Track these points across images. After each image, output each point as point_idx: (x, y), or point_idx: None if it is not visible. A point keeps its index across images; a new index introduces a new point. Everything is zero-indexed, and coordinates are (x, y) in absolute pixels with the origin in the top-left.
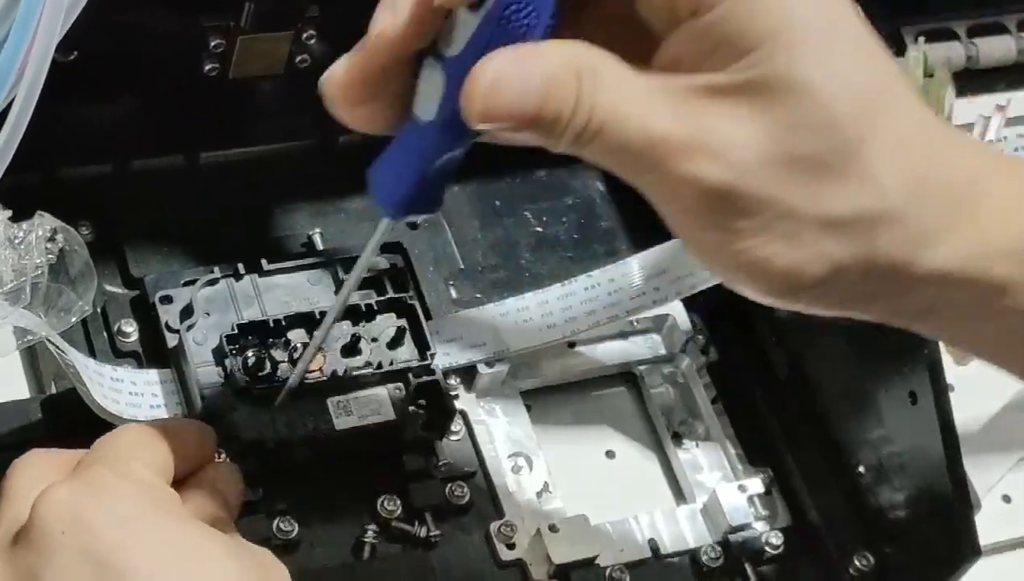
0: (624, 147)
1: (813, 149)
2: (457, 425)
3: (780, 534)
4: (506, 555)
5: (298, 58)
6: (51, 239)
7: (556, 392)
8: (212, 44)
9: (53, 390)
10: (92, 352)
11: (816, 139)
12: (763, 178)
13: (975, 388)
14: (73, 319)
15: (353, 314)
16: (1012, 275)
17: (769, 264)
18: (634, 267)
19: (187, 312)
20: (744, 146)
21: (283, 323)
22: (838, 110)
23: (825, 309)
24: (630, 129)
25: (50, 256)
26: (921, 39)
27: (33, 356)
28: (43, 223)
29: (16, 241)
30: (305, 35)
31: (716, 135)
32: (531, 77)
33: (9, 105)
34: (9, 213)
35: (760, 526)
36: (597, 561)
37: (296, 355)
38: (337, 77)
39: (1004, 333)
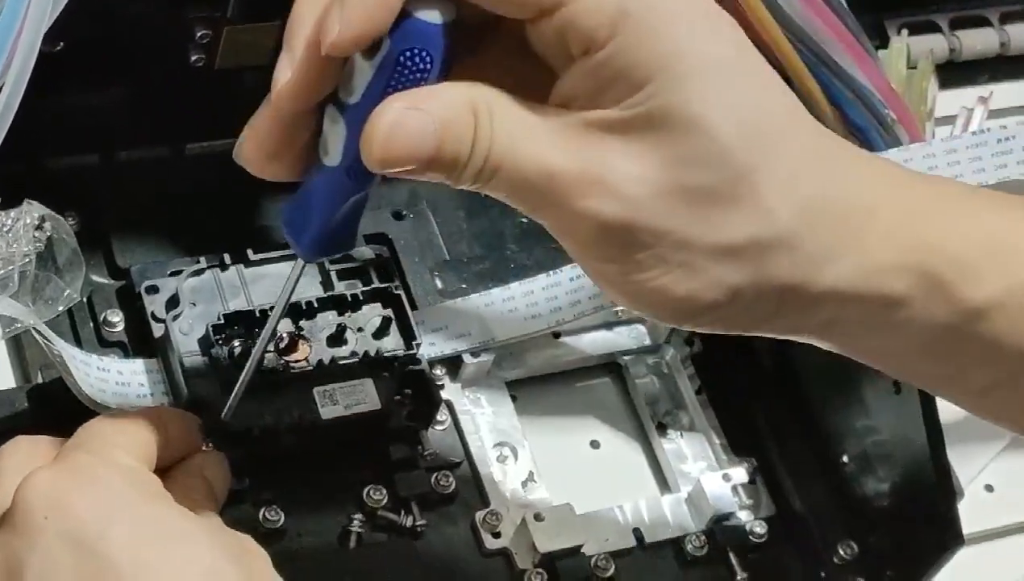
0: (523, 185)
1: (704, 180)
2: (442, 415)
3: (764, 523)
4: (491, 544)
5: None
6: (39, 227)
7: (541, 382)
8: (198, 35)
9: (39, 379)
10: (78, 342)
11: (707, 171)
12: (657, 211)
13: None
14: (61, 308)
15: (339, 304)
16: (906, 289)
17: (667, 292)
18: None
19: (173, 302)
20: (638, 180)
21: (269, 313)
22: (728, 141)
23: (727, 329)
24: (527, 167)
25: (38, 244)
26: (904, 31)
27: (19, 346)
28: (31, 211)
29: (4, 229)
30: None
31: (610, 170)
32: (427, 121)
33: None
34: None
35: (744, 515)
36: (582, 550)
37: (282, 344)
38: (247, 143)
39: (904, 345)
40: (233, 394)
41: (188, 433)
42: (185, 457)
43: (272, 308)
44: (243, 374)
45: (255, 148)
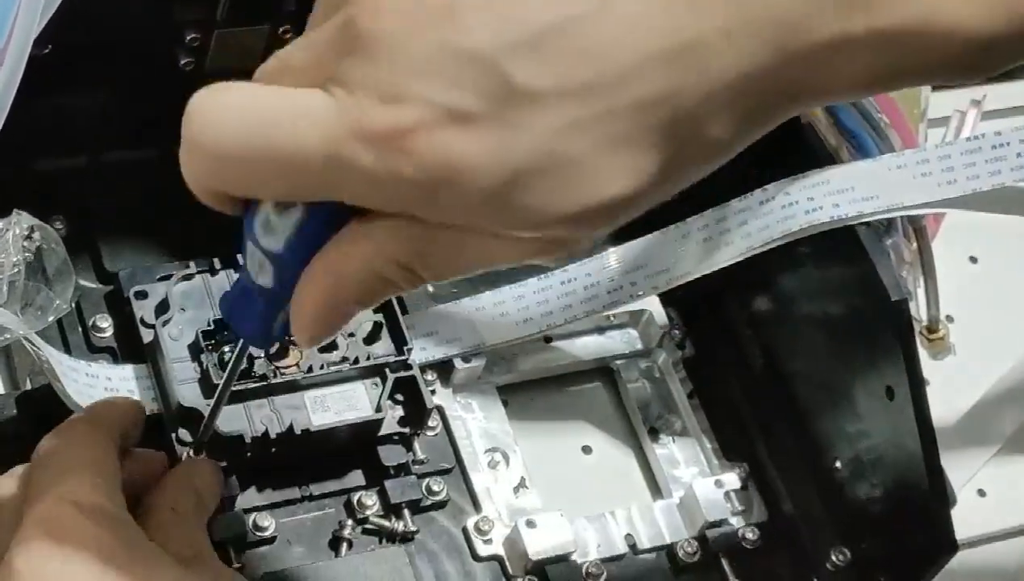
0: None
1: None
2: (434, 420)
3: (756, 529)
4: (483, 550)
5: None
6: (28, 237)
7: (532, 387)
8: (188, 38)
9: (28, 386)
10: (67, 348)
11: None
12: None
13: (951, 383)
14: (50, 318)
15: None
16: None
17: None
18: (611, 261)
19: (162, 307)
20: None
21: None
22: None
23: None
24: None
25: (27, 254)
26: None
27: (8, 353)
28: (20, 221)
29: None
30: (281, 29)
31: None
32: (344, 294)
33: None
34: None
35: (736, 521)
36: (574, 556)
37: (273, 350)
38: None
39: None
40: (203, 426)
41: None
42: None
43: None
44: (210, 411)
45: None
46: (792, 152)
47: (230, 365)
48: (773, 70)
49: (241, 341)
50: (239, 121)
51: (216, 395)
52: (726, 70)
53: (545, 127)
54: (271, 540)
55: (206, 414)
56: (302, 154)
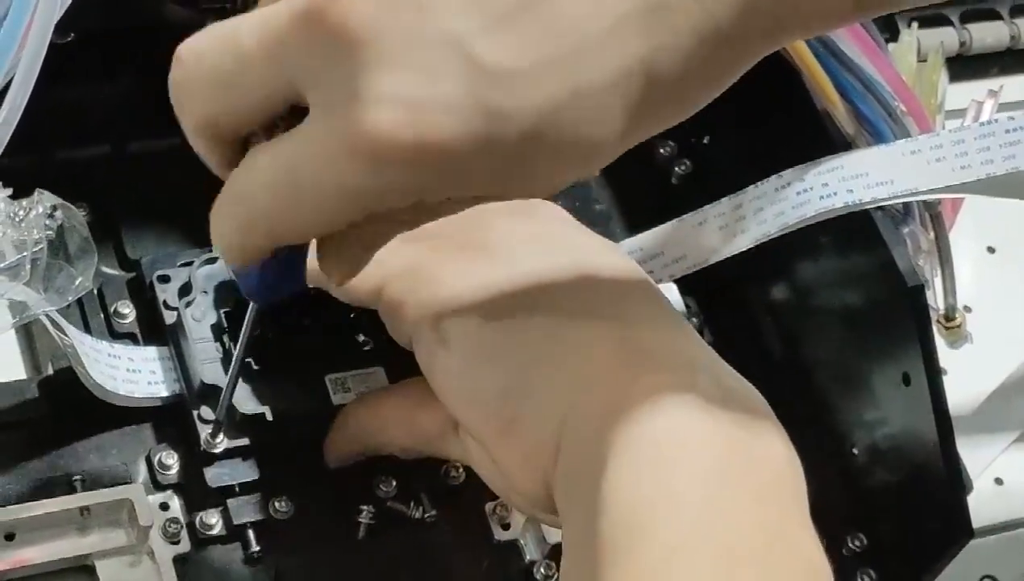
0: None
1: None
2: None
3: None
4: (501, 535)
5: None
6: (50, 216)
7: None
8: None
9: (50, 370)
10: (88, 333)
11: None
12: None
13: (968, 371)
14: (71, 297)
15: None
16: None
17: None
18: (630, 249)
19: (185, 290)
20: None
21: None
22: None
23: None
24: None
25: (49, 233)
26: (914, 24)
27: (30, 336)
28: (43, 200)
29: (16, 218)
30: None
31: None
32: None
33: (8, 84)
34: (9, 191)
35: None
36: None
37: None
38: None
39: None
40: (221, 400)
41: None
42: None
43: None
44: (226, 384)
45: None
46: (809, 139)
47: (243, 332)
48: (742, 16)
49: (251, 308)
50: (269, 191)
51: (232, 365)
52: (697, 28)
53: (523, 106)
54: (289, 524)
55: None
56: (323, 197)
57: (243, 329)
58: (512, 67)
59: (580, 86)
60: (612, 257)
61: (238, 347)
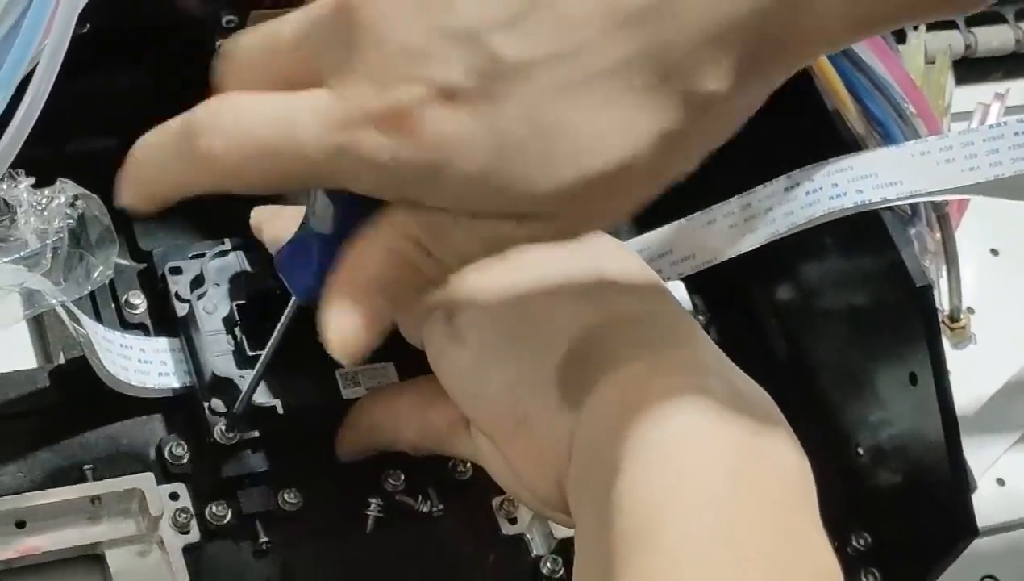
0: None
1: None
2: None
3: None
4: (508, 530)
5: None
6: (71, 205)
7: None
8: (224, 19)
9: (61, 360)
10: (100, 323)
11: None
12: None
13: (971, 372)
14: (91, 286)
15: None
16: None
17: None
18: (638, 247)
19: (197, 282)
20: None
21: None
22: None
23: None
24: None
25: (70, 221)
26: (922, 27)
27: (41, 326)
28: (65, 189)
29: (39, 207)
30: None
31: None
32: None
33: (31, 73)
34: (32, 180)
35: None
36: None
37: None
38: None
39: None
40: (244, 393)
41: None
42: None
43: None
44: (252, 377)
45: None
46: (819, 140)
47: (278, 330)
48: (753, 15)
49: (290, 304)
50: (246, 132)
51: (260, 361)
52: (703, 19)
53: (532, 97)
54: (298, 516)
55: (240, 385)
56: (304, 150)
57: (278, 327)
58: (524, 59)
59: (585, 76)
60: (627, 261)
61: (270, 343)
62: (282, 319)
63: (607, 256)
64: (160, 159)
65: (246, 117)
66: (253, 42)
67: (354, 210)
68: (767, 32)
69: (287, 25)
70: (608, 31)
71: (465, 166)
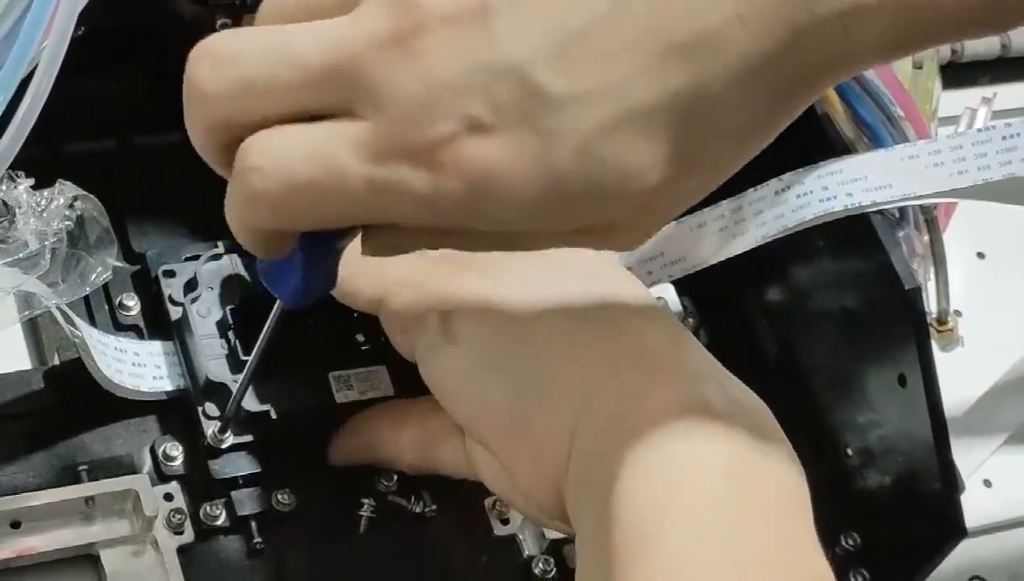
0: None
1: None
2: None
3: None
4: (500, 530)
5: None
6: (70, 206)
7: None
8: (219, 23)
9: (56, 361)
10: (94, 326)
11: None
12: None
13: (959, 374)
14: (89, 288)
15: None
16: None
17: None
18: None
19: (191, 285)
20: None
21: None
22: None
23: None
24: None
25: (68, 223)
26: None
27: (35, 327)
28: (64, 191)
29: (39, 209)
30: None
31: None
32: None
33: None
34: (31, 181)
35: None
36: None
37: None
38: None
39: None
40: (233, 398)
41: None
42: None
43: None
44: (241, 381)
45: None
46: (809, 143)
47: (264, 333)
48: (790, 48)
49: (275, 308)
50: (288, 173)
51: (248, 365)
52: (744, 55)
53: (575, 130)
54: (291, 516)
55: (234, 389)
56: (346, 185)
57: (264, 330)
58: (568, 93)
59: (626, 110)
60: (620, 276)
61: (256, 346)
62: (267, 323)
63: (599, 270)
64: (229, 203)
65: (285, 152)
66: (254, 57)
67: (328, 236)
68: (803, 61)
69: (302, 44)
70: (651, 65)
71: (510, 198)
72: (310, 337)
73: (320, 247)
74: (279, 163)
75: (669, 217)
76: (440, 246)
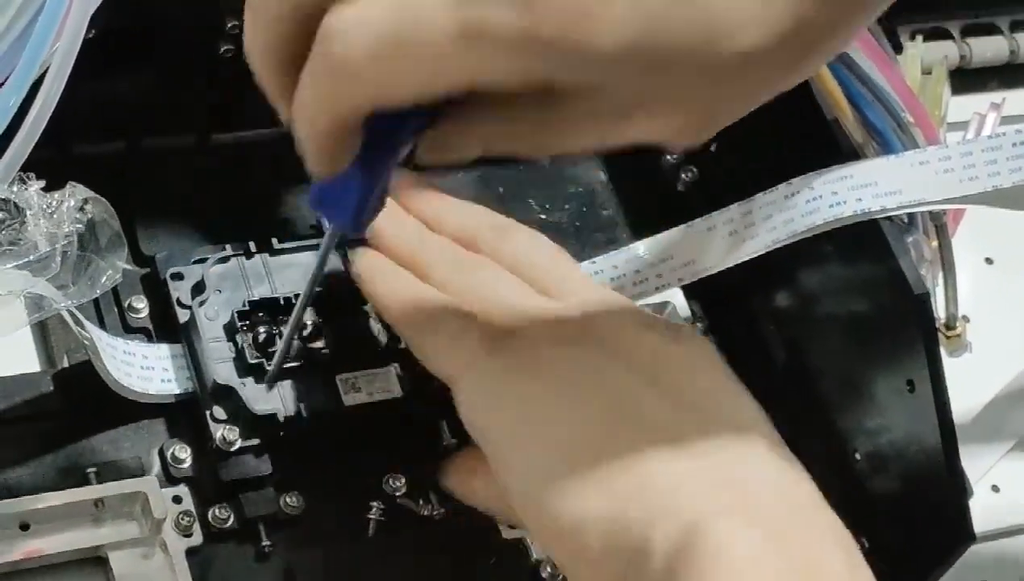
0: None
1: None
2: None
3: None
4: (508, 533)
5: None
6: (81, 209)
7: None
8: (228, 25)
9: (65, 363)
10: (103, 328)
11: None
12: None
13: (967, 380)
14: (99, 290)
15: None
16: None
17: None
18: (639, 253)
19: (199, 288)
20: None
21: (293, 301)
22: None
23: None
24: None
25: (79, 226)
26: (918, 37)
27: (44, 330)
28: (75, 193)
29: (49, 211)
30: None
31: None
32: None
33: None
34: (42, 183)
35: None
36: None
37: (306, 332)
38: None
39: None
40: (274, 363)
41: None
42: None
43: (297, 297)
44: (283, 340)
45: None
46: (819, 148)
47: (316, 266)
48: None
49: (327, 234)
50: (374, 30)
51: (296, 308)
52: None
53: None
54: (300, 519)
55: (242, 392)
56: (431, 36)
57: (317, 260)
58: None
59: None
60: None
61: (307, 284)
62: (321, 248)
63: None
64: (303, 92)
65: (368, 9)
66: None
67: (391, 134)
68: None
69: None
70: None
71: (603, 39)
72: (317, 339)
73: (380, 153)
74: (364, 21)
75: (737, 109)
76: (504, 144)
